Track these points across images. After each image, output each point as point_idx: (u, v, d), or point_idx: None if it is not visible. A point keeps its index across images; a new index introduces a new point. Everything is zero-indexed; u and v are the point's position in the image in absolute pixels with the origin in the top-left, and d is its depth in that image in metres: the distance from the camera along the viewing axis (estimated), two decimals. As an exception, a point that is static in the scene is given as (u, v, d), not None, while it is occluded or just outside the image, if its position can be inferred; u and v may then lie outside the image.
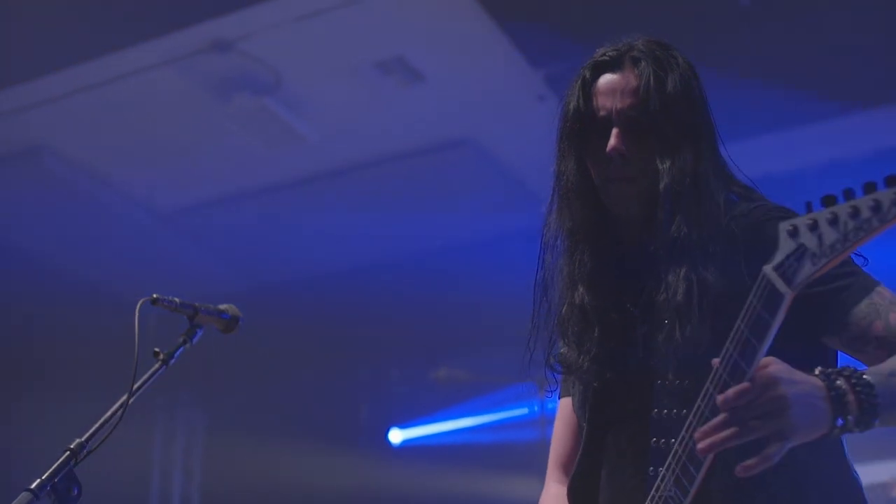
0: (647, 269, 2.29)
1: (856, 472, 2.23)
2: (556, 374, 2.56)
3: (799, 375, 1.83)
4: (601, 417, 2.36)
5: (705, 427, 1.82)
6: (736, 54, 6.28)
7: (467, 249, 8.74)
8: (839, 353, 2.20)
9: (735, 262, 2.17)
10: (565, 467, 2.59)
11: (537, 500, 7.04)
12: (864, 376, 1.87)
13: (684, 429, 1.94)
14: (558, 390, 2.63)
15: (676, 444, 1.97)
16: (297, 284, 8.81)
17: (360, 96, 7.25)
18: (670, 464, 1.99)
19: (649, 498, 2.06)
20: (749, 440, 1.80)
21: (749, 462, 1.79)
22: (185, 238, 8.82)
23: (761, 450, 1.80)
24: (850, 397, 1.84)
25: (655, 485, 2.04)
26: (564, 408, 2.62)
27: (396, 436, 9.25)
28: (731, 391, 1.79)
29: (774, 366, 1.81)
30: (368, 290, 9.09)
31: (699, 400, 1.90)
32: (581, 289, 2.37)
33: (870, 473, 6.92)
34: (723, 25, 6.23)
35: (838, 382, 1.85)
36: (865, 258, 2.16)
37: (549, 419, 7.03)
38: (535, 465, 7.29)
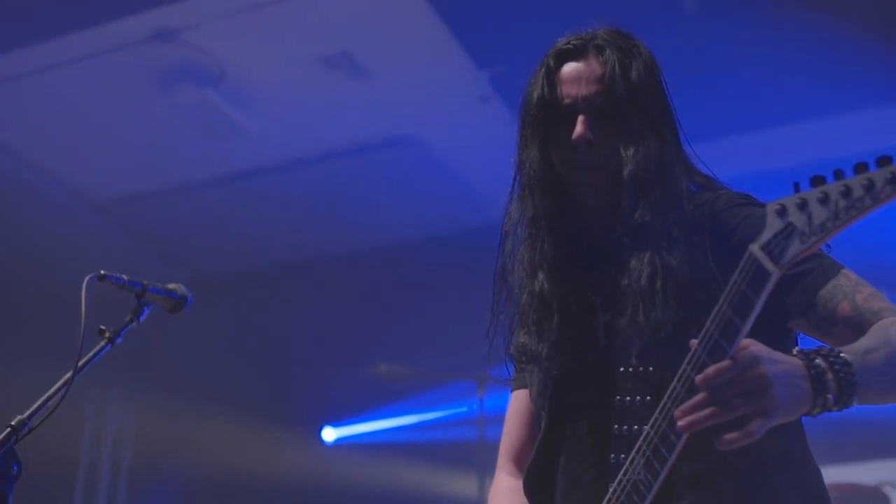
0: (609, 257, 2.29)
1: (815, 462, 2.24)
2: (514, 363, 2.56)
3: (779, 355, 1.82)
4: (561, 406, 2.35)
5: (686, 405, 1.81)
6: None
7: (406, 248, 8.73)
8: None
9: (699, 249, 2.18)
10: (517, 459, 2.58)
11: (475, 499, 7.03)
12: (842, 354, 1.87)
13: (658, 411, 1.93)
14: (512, 382, 2.63)
15: (648, 427, 1.95)
16: (234, 278, 8.74)
17: (304, 91, 7.21)
18: (641, 447, 1.98)
19: (616, 481, 2.05)
20: (729, 419, 1.79)
21: (731, 435, 1.77)
22: (121, 229, 8.71)
23: (739, 428, 1.79)
24: (829, 376, 1.84)
25: (624, 468, 2.02)
26: (517, 400, 2.60)
27: (329, 434, 9.20)
28: (711, 369, 1.78)
29: (755, 346, 1.81)
30: (306, 286, 9.06)
31: (675, 381, 1.88)
32: (541, 276, 2.37)
33: (854, 475, 7.02)
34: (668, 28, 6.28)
35: (817, 361, 1.85)
36: (829, 246, 2.17)
37: (489, 418, 7.09)
38: (473, 464, 7.34)
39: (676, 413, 1.83)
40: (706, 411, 1.78)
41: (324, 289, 9.04)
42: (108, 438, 9.75)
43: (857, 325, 2.05)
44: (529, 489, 2.41)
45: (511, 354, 2.52)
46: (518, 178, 2.44)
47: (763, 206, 2.14)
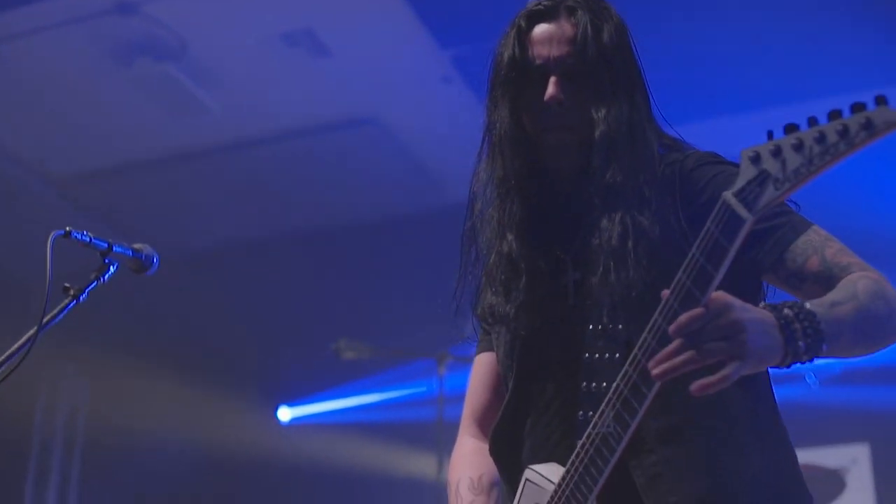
0: (579, 218, 2.30)
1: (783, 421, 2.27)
2: (480, 326, 2.57)
3: (749, 306, 1.84)
4: (528, 366, 2.35)
5: (660, 354, 1.81)
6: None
7: (368, 227, 8.73)
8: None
9: (670, 208, 2.20)
10: (480, 422, 2.59)
11: (434, 479, 7.02)
12: (806, 306, 1.89)
13: (628, 363, 1.94)
14: (477, 345, 2.63)
15: (618, 380, 1.97)
16: (194, 255, 8.69)
17: (266, 68, 7.17)
18: (610, 400, 1.98)
19: (585, 436, 2.05)
20: (702, 366, 1.80)
21: (707, 379, 1.78)
22: (79, 207, 8.63)
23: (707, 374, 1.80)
24: (797, 325, 1.86)
25: (593, 422, 2.03)
26: (482, 363, 2.61)
27: (285, 413, 9.18)
28: (684, 316, 1.78)
29: (726, 295, 1.82)
30: (265, 264, 9.03)
31: (645, 333, 1.89)
32: (510, 237, 2.38)
33: (821, 458, 7.10)
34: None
35: (785, 311, 1.87)
36: (798, 204, 2.20)
37: (448, 398, 7.11)
38: (432, 443, 7.36)
39: (650, 363, 1.84)
40: (681, 358, 1.79)
41: (283, 267, 9.01)
42: (62, 414, 9.68)
43: (826, 280, 2.07)
44: (495, 450, 2.42)
45: (478, 316, 2.53)
46: (487, 139, 2.44)
47: (732, 164, 2.17)
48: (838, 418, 7.18)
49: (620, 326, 2.17)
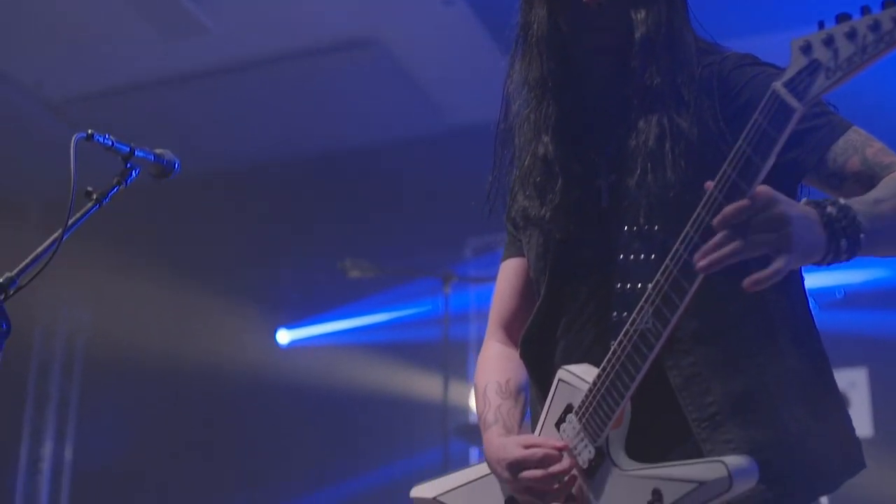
0: (615, 119, 2.29)
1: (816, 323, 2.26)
2: (511, 229, 2.56)
3: (793, 201, 1.83)
4: (561, 269, 2.34)
5: (706, 246, 1.80)
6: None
7: (369, 151, 8.70)
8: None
9: (708, 109, 2.18)
10: (507, 328, 2.57)
11: (439, 399, 7.04)
12: (848, 203, 1.88)
13: (669, 258, 1.93)
14: (505, 250, 2.62)
15: (659, 275, 1.95)
16: (193, 177, 8.63)
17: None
18: (650, 296, 1.97)
19: (623, 333, 2.04)
20: (747, 258, 1.79)
21: (760, 274, 1.76)
22: (74, 129, 8.52)
23: (749, 273, 1.78)
24: (840, 223, 1.85)
25: (631, 319, 2.02)
26: (510, 269, 2.59)
27: (284, 336, 9.17)
28: (730, 207, 1.77)
29: (771, 189, 1.80)
30: (266, 188, 9.00)
31: (688, 227, 1.88)
32: (545, 139, 2.36)
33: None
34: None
35: (828, 209, 1.86)
36: (836, 106, 2.18)
37: (453, 317, 7.10)
38: (437, 364, 7.38)
39: (696, 255, 1.83)
40: (727, 249, 1.78)
41: (283, 190, 8.99)
42: (61, 337, 9.70)
43: (868, 180, 2.06)
44: (527, 353, 2.41)
45: (509, 220, 2.52)
46: (522, 39, 2.41)
47: (771, 66, 2.15)
48: (837, 343, 7.17)
49: (656, 228, 2.16)
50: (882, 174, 2.06)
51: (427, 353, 8.27)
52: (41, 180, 7.21)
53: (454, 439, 6.95)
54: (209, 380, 9.00)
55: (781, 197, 1.80)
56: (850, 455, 2.17)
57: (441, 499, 2.53)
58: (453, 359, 8.04)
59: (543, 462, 2.18)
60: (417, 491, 2.61)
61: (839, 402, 2.21)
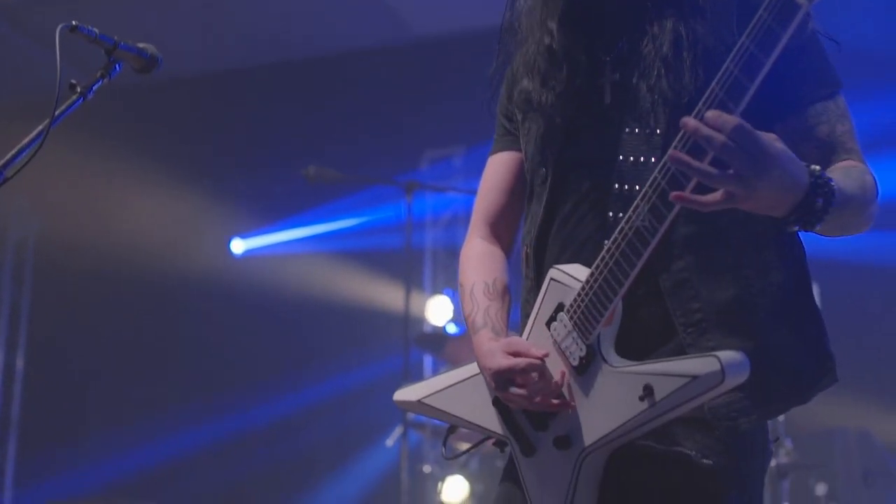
0: (625, 20, 2.29)
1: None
2: (506, 119, 2.55)
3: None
4: (562, 160, 2.34)
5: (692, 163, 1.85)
6: None
7: (330, 61, 8.60)
8: None
9: (723, 17, 2.19)
10: (492, 224, 2.57)
11: (401, 308, 7.04)
12: (826, 172, 1.98)
13: (667, 155, 1.94)
14: (494, 144, 2.60)
15: (656, 173, 1.96)
16: (153, 83, 8.49)
17: None
18: (646, 194, 1.98)
19: (618, 230, 2.05)
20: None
21: (711, 197, 1.85)
22: (28, 35, 8.35)
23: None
24: (820, 181, 1.94)
25: (626, 216, 2.03)
26: (499, 163, 2.58)
27: (238, 246, 9.12)
28: (727, 117, 1.81)
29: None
30: (225, 93, 8.88)
31: (693, 114, 1.89)
32: (551, 26, 2.36)
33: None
34: None
35: (812, 166, 1.95)
36: (838, 42, 2.21)
37: (417, 223, 7.09)
38: (399, 272, 7.39)
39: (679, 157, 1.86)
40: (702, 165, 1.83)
41: (246, 98, 8.88)
42: (10, 245, 9.59)
43: (826, 152, 2.16)
44: (534, 251, 2.40)
45: (516, 103, 2.50)
46: None
47: None
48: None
49: (659, 132, 2.17)
50: (841, 155, 2.18)
51: (386, 261, 8.29)
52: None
53: (413, 348, 6.98)
54: (163, 288, 8.97)
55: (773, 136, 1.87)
56: (824, 369, 2.20)
57: (426, 401, 2.52)
58: (416, 266, 8.09)
59: (527, 371, 2.19)
60: (401, 394, 2.60)
61: (817, 319, 2.24)
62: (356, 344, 8.62)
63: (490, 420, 2.39)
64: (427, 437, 7.14)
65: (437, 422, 7.72)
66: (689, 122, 1.84)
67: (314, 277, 8.73)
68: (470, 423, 2.44)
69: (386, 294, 8.54)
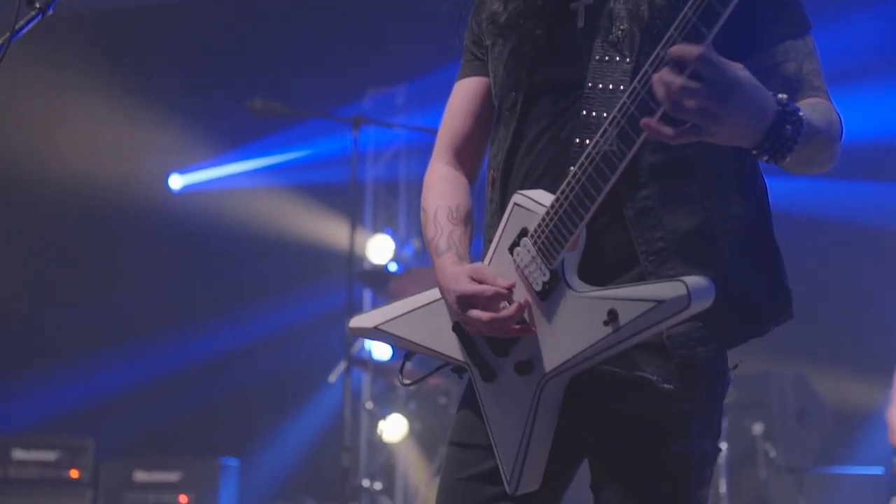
0: None
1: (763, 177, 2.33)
2: (474, 42, 2.53)
3: None
4: (532, 84, 2.33)
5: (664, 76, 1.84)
6: None
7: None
8: None
9: None
10: (457, 150, 2.55)
11: (345, 243, 7.00)
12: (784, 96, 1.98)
13: (637, 79, 1.93)
14: (461, 69, 2.58)
15: (625, 97, 1.96)
16: (87, 10, 8.30)
17: None
18: (615, 118, 1.98)
19: (585, 156, 2.05)
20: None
21: (678, 130, 1.85)
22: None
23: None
24: (788, 109, 1.95)
25: (594, 141, 2.03)
26: (466, 88, 2.55)
27: (176, 181, 9.00)
28: (690, 47, 1.82)
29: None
30: (167, 26, 8.72)
31: (659, 48, 1.89)
32: None
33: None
34: None
35: (780, 95, 1.96)
36: None
37: (363, 156, 7.05)
38: (345, 206, 7.34)
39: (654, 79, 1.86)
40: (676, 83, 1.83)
41: (189, 29, 8.72)
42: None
43: (792, 89, 2.16)
44: (501, 175, 2.38)
45: (472, 35, 2.51)
46: None
47: None
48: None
49: (628, 60, 2.17)
50: (807, 93, 2.19)
51: (329, 196, 8.24)
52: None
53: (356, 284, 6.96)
54: (101, 222, 8.85)
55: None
56: (780, 304, 2.23)
57: (382, 328, 2.51)
58: (361, 202, 8.04)
59: (493, 300, 2.19)
60: (357, 321, 2.59)
61: (777, 254, 2.26)
62: (299, 280, 8.58)
63: (449, 346, 2.39)
64: (369, 373, 7.16)
65: (380, 359, 7.81)
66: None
67: (256, 212, 8.64)
68: (428, 349, 2.44)
69: (327, 230, 8.50)
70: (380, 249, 8.72)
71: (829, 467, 7.20)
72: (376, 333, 2.54)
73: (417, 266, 8.10)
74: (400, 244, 9.00)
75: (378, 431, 8.04)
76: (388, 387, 8.14)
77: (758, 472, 6.65)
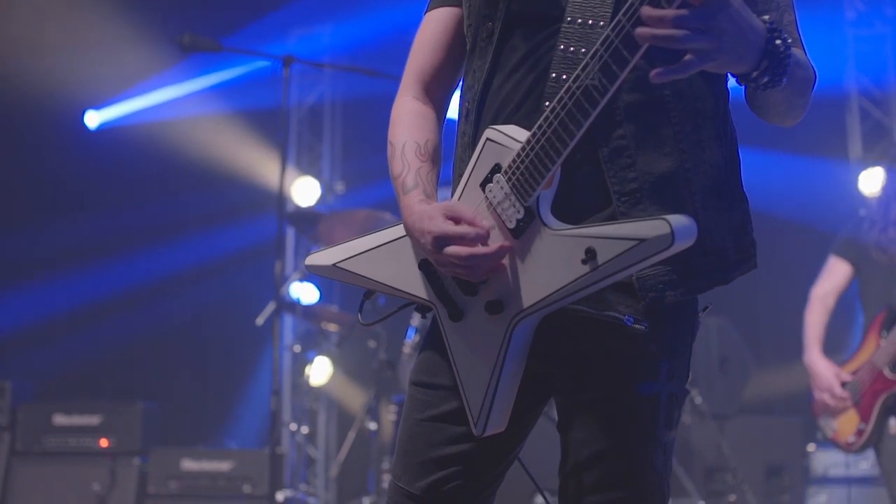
0: None
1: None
2: None
3: None
4: (509, 14, 2.26)
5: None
6: None
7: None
8: None
9: None
10: (426, 83, 2.46)
11: (274, 173, 6.85)
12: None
13: (622, 12, 1.88)
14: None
15: (610, 30, 1.91)
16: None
17: None
18: (597, 51, 1.92)
19: (564, 89, 1.99)
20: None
21: (675, 68, 1.85)
22: None
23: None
24: (777, 33, 1.97)
25: (574, 75, 1.97)
26: (437, 18, 2.46)
27: (92, 118, 8.74)
28: None
29: None
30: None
31: None
32: None
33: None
34: None
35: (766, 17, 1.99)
36: None
37: (294, 105, 6.95)
38: (272, 142, 7.21)
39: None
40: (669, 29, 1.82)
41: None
42: None
43: None
44: (475, 108, 2.32)
45: None
46: None
47: None
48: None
49: None
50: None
51: (258, 130, 8.11)
52: None
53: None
54: (16, 154, 8.60)
55: None
56: (746, 253, 2.23)
57: (342, 265, 2.43)
58: (292, 125, 7.90)
59: (474, 241, 2.13)
60: (313, 259, 2.50)
61: (744, 203, 2.26)
62: (225, 216, 8.43)
63: (414, 285, 2.33)
64: (298, 316, 7.07)
65: (308, 303, 7.73)
66: None
67: (179, 146, 8.43)
68: (391, 287, 2.38)
69: (255, 167, 8.39)
70: (305, 192, 8.63)
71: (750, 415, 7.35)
72: (334, 271, 2.46)
73: (342, 209, 8.01)
74: (325, 188, 8.92)
75: (306, 376, 8.00)
76: (313, 330, 8.06)
77: (682, 417, 6.72)
